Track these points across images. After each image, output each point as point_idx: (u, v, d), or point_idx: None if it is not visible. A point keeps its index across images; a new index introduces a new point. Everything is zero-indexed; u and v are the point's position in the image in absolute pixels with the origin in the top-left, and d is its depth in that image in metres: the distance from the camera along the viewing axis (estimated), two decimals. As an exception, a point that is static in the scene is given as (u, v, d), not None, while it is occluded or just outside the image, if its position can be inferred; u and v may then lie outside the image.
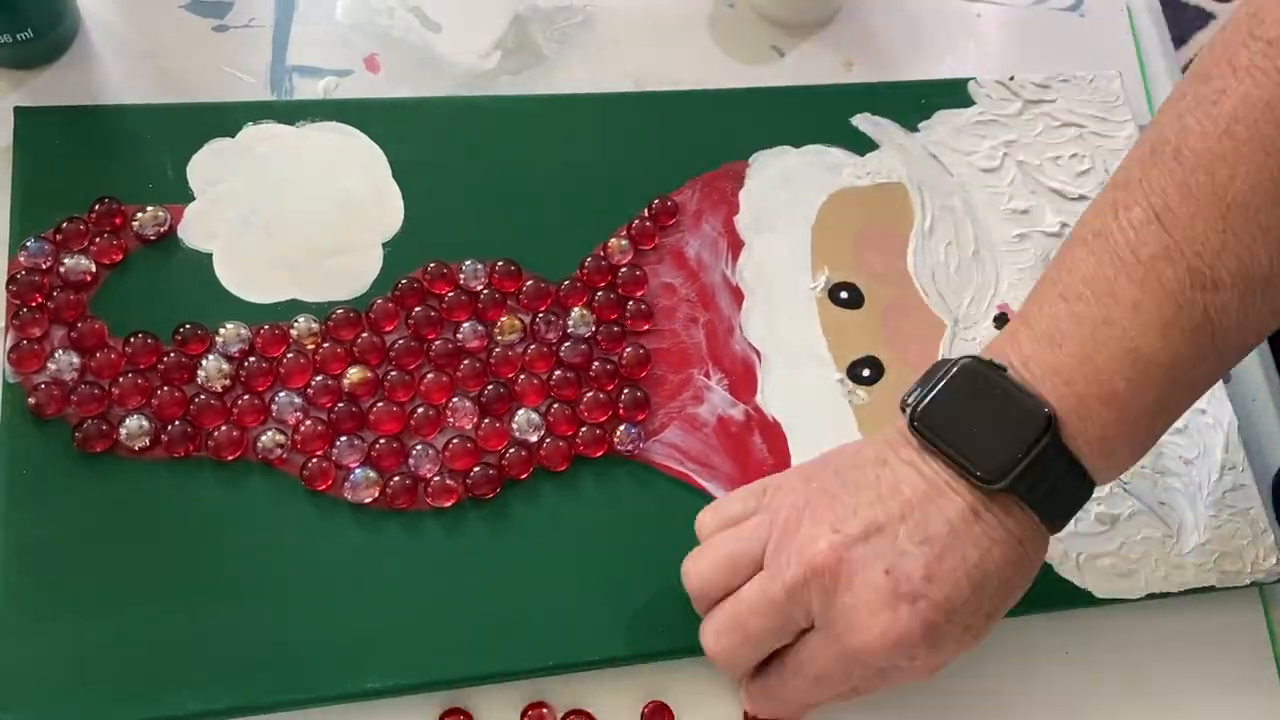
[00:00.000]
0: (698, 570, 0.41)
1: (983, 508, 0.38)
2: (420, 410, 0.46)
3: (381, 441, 0.45)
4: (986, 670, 0.48)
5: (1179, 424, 0.51)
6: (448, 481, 0.45)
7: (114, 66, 0.51)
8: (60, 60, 0.51)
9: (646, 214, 0.51)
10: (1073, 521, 0.48)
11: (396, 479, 0.44)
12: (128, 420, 0.43)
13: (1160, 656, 0.50)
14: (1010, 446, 0.38)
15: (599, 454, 0.46)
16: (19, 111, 0.48)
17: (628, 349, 0.48)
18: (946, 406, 0.39)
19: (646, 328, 0.49)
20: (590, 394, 0.47)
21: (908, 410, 0.39)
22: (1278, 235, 0.36)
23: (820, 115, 0.55)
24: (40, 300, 0.45)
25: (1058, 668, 0.49)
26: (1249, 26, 0.37)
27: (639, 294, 0.49)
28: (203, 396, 0.44)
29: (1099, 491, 0.49)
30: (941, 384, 0.39)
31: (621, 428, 0.47)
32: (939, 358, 0.51)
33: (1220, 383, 0.53)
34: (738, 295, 0.51)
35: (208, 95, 0.51)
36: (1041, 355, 0.39)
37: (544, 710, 0.44)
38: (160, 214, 0.47)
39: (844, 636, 0.38)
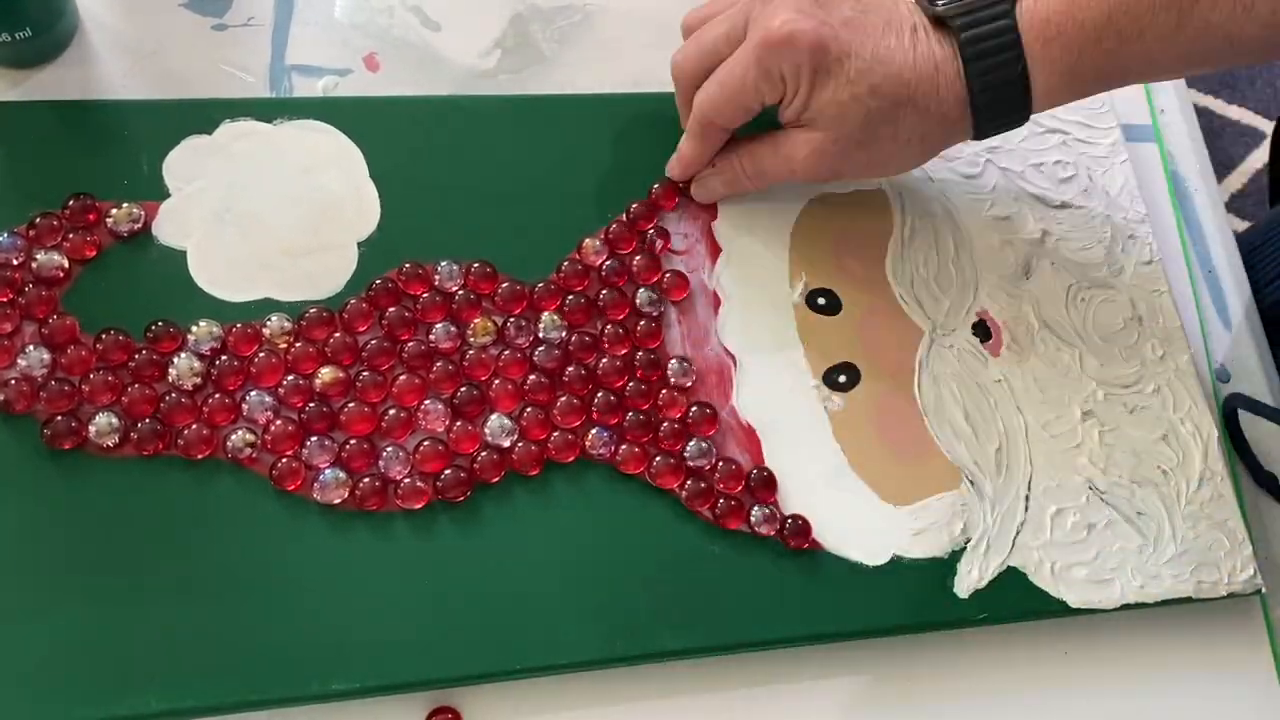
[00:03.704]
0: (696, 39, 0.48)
1: (921, 29, 0.44)
2: (392, 412, 0.45)
3: (352, 442, 0.45)
4: (986, 670, 0.48)
5: (1159, 431, 0.51)
6: (418, 484, 0.44)
7: (112, 65, 0.51)
8: (59, 59, 0.51)
9: (625, 217, 0.51)
10: (1048, 530, 0.48)
11: (366, 480, 0.44)
12: (97, 418, 0.43)
13: (1160, 656, 0.50)
14: None
15: (571, 459, 0.46)
16: (-7, 106, 0.47)
17: (604, 360, 0.48)
18: None
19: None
20: (564, 398, 0.47)
21: None
22: None
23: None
24: (11, 296, 0.45)
25: (1058, 668, 0.49)
26: None
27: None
28: (173, 395, 0.44)
29: (1076, 500, 0.49)
30: None
31: (594, 431, 0.46)
32: (915, 365, 0.51)
33: (1201, 393, 0.53)
34: (714, 300, 0.50)
35: (206, 94, 0.51)
36: None
37: None
38: (134, 210, 0.47)
39: (755, 30, 0.44)
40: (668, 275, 0.50)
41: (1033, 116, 0.56)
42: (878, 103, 0.44)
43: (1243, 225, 1.42)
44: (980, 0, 0.44)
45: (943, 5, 0.44)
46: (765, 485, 0.47)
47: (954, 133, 0.46)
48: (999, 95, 0.45)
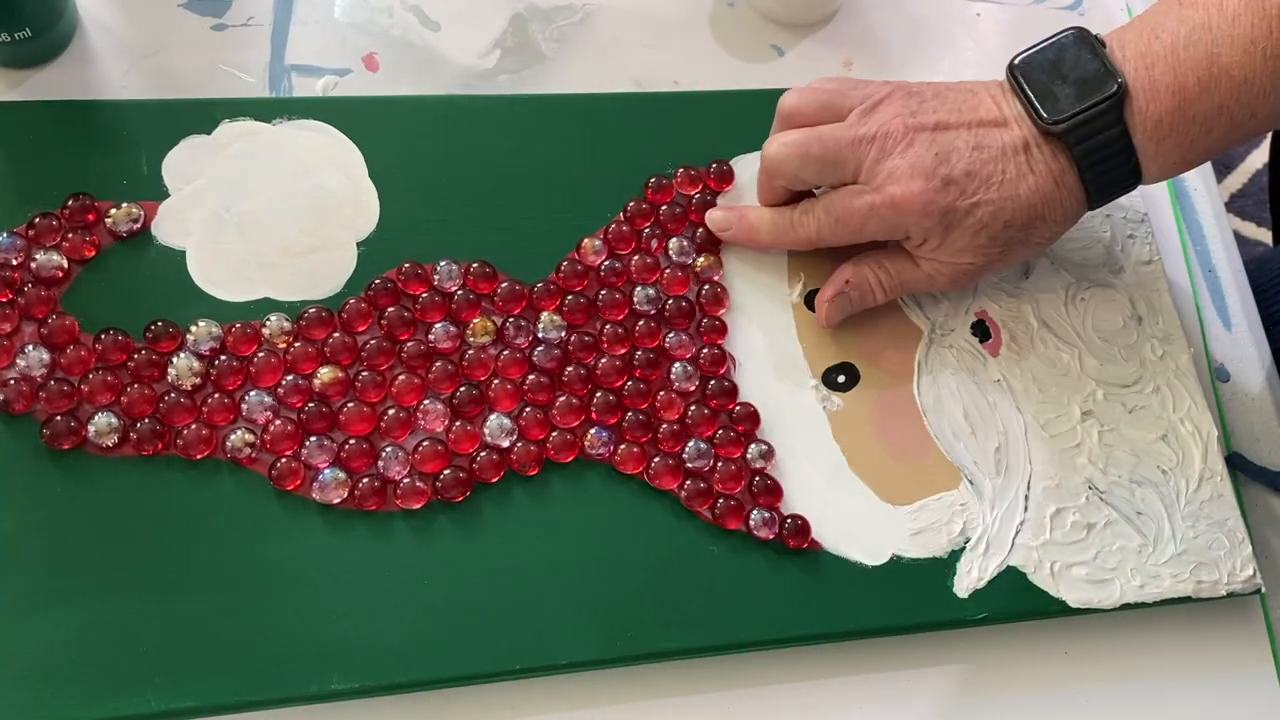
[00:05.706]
0: (799, 94, 0.48)
1: (1035, 145, 0.45)
2: (391, 411, 0.45)
3: (351, 442, 0.45)
4: (986, 670, 0.48)
5: (1159, 431, 0.51)
6: (417, 484, 0.44)
7: (112, 65, 0.51)
8: (58, 59, 0.51)
9: (623, 217, 0.51)
10: (1048, 530, 0.48)
11: (366, 480, 0.44)
12: (96, 417, 0.43)
13: (1160, 656, 0.50)
14: (1077, 100, 0.44)
15: (570, 459, 0.46)
16: (-7, 106, 0.48)
17: (603, 360, 0.48)
18: (1041, 60, 0.46)
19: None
20: (563, 398, 0.47)
21: (1011, 59, 0.46)
22: None
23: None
24: (10, 296, 0.45)
25: (1058, 668, 0.49)
26: None
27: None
28: (172, 395, 0.44)
29: (1075, 500, 0.49)
30: (1045, 43, 0.46)
31: (592, 431, 0.46)
32: (914, 365, 0.51)
33: (1201, 393, 0.53)
34: (714, 299, 0.50)
35: (206, 94, 0.51)
36: (1138, 42, 0.45)
37: None
38: (134, 210, 0.47)
39: (879, 187, 0.45)
40: (668, 271, 0.50)
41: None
42: (1012, 232, 0.46)
43: (1243, 225, 1.42)
44: (1091, 112, 0.44)
45: (1052, 122, 0.45)
46: (769, 492, 0.47)
47: (1076, 218, 0.48)
48: (1115, 188, 0.47)
